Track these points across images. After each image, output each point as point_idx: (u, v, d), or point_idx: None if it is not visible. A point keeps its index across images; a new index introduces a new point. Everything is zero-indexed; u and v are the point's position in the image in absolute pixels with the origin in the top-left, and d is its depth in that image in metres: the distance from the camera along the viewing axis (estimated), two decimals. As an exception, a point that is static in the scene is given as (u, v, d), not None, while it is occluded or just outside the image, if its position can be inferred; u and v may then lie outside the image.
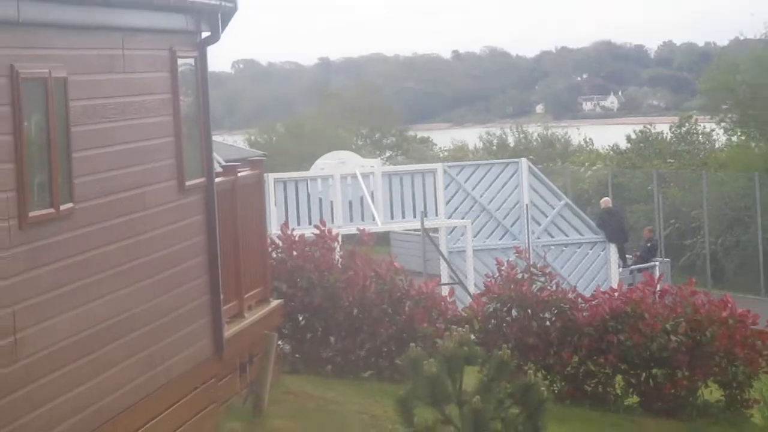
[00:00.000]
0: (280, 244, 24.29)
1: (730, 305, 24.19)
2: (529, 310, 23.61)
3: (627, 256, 39.02)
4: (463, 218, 35.31)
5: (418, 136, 72.17)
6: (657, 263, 40.56)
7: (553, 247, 33.98)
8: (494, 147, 62.18)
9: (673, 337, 23.17)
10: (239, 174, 21.11)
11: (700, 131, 59.92)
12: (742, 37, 57.73)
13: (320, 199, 34.35)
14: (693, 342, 23.46)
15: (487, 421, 11.68)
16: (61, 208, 14.47)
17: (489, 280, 25.29)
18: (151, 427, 16.56)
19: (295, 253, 24.27)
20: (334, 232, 27.86)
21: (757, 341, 24.02)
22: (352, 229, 31.67)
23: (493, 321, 23.63)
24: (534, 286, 24.01)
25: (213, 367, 18.62)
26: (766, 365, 24.26)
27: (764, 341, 24.07)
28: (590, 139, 67.87)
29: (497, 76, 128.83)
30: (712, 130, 59.28)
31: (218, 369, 18.83)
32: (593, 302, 24.24)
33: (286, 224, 26.63)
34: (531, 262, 25.27)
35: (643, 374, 23.68)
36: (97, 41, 15.84)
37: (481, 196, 37.39)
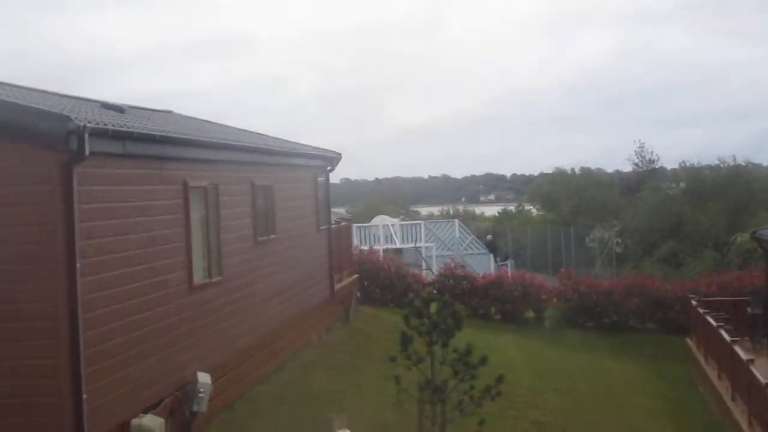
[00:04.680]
0: (357, 251, 23.49)
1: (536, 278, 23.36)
2: (454, 280, 22.72)
3: (497, 260, 37.42)
4: (431, 244, 34.27)
5: (416, 210, 69.72)
6: (509, 262, 37.19)
7: (466, 255, 32.75)
8: (446, 215, 59.57)
9: (515, 292, 22.37)
10: (341, 224, 20.68)
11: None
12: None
13: (374, 234, 33.39)
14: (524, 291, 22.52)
15: (439, 322, 10.59)
16: (277, 234, 14.17)
17: (442, 268, 24.43)
18: (307, 322, 16.23)
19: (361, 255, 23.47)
20: (378, 248, 27.51)
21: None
22: (386, 247, 31.13)
23: (442, 284, 22.52)
24: (459, 270, 23.16)
25: (330, 301, 18.25)
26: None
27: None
28: (483, 212, 65.81)
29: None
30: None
31: (332, 302, 18.45)
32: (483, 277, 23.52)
33: (358, 246, 25.87)
34: (458, 262, 24.36)
35: (506, 305, 22.53)
36: (286, 172, 15.62)
37: (439, 234, 36.46)
